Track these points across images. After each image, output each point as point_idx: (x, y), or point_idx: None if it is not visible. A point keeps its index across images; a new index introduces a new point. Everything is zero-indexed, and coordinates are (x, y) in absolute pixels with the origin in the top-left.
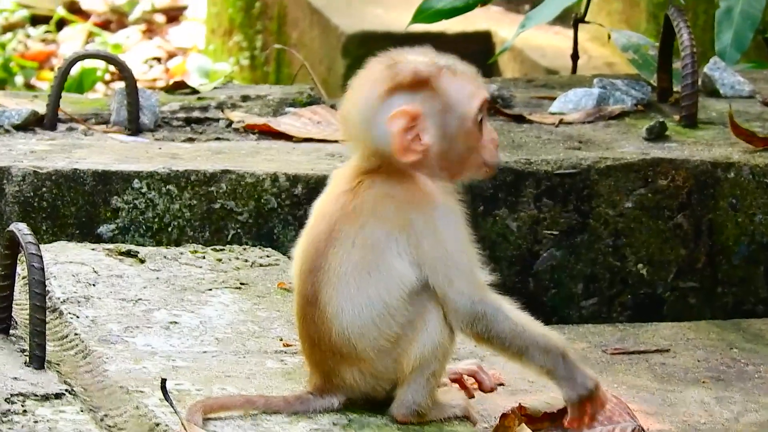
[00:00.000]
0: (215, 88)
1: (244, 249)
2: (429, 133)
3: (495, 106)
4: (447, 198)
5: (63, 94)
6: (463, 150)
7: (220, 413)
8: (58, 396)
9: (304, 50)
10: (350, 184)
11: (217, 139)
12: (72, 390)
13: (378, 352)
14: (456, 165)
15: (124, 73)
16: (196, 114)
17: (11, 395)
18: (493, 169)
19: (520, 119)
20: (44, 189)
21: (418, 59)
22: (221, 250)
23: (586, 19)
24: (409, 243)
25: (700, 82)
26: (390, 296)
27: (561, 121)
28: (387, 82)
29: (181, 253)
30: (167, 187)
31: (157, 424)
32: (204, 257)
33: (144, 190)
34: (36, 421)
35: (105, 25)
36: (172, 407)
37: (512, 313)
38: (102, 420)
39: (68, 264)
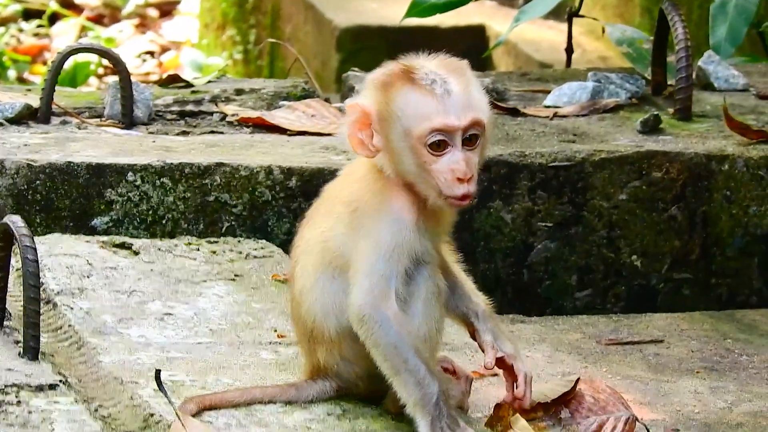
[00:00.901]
0: (209, 81)
1: (239, 241)
2: (378, 135)
3: (489, 100)
4: (405, 211)
5: (56, 87)
6: (413, 168)
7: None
8: (52, 387)
9: (298, 44)
10: (346, 172)
11: (211, 132)
12: (66, 381)
13: (341, 333)
14: (416, 183)
15: (118, 66)
16: (190, 107)
17: (5, 386)
18: (456, 203)
19: (514, 112)
20: (38, 182)
21: (412, 65)
22: (215, 242)
23: (581, 13)
24: (352, 235)
25: (694, 76)
26: (342, 279)
27: (555, 114)
28: (372, 76)
29: (176, 245)
30: (161, 179)
31: (152, 415)
32: (198, 249)
33: (138, 182)
34: (30, 412)
35: (98, 20)
36: (167, 398)
37: (400, 332)
38: (96, 411)
39: (62, 256)
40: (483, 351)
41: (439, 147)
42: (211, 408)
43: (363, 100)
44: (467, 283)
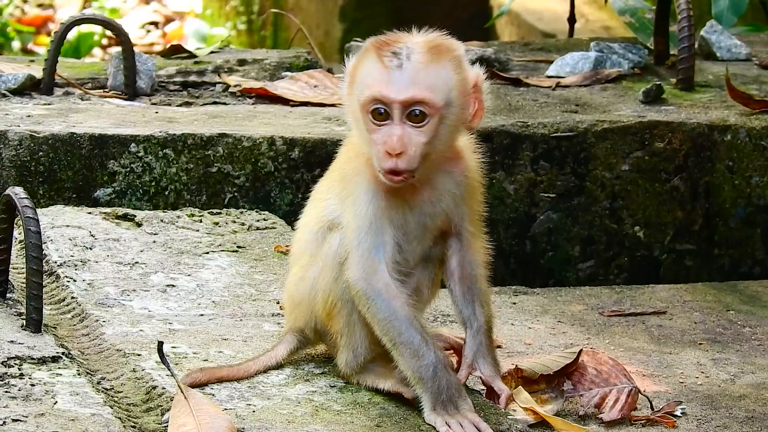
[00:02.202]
0: (212, 52)
1: (241, 212)
2: (344, 93)
3: (491, 70)
4: (376, 181)
5: (60, 58)
6: (363, 136)
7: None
8: (54, 359)
9: (301, 14)
10: (346, 140)
11: (214, 103)
12: (69, 353)
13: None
14: (367, 154)
15: (120, 37)
16: (192, 78)
17: (8, 358)
18: (388, 177)
19: (517, 83)
20: (41, 153)
21: (394, 38)
22: (218, 213)
23: None
24: (341, 204)
25: (696, 46)
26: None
27: (558, 85)
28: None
29: (178, 217)
30: (164, 150)
31: (154, 387)
32: (201, 221)
33: (141, 153)
34: (33, 384)
35: None
36: (169, 370)
37: (394, 304)
38: (99, 383)
39: (65, 228)
40: (460, 359)
41: (380, 116)
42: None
43: (348, 65)
44: (479, 291)
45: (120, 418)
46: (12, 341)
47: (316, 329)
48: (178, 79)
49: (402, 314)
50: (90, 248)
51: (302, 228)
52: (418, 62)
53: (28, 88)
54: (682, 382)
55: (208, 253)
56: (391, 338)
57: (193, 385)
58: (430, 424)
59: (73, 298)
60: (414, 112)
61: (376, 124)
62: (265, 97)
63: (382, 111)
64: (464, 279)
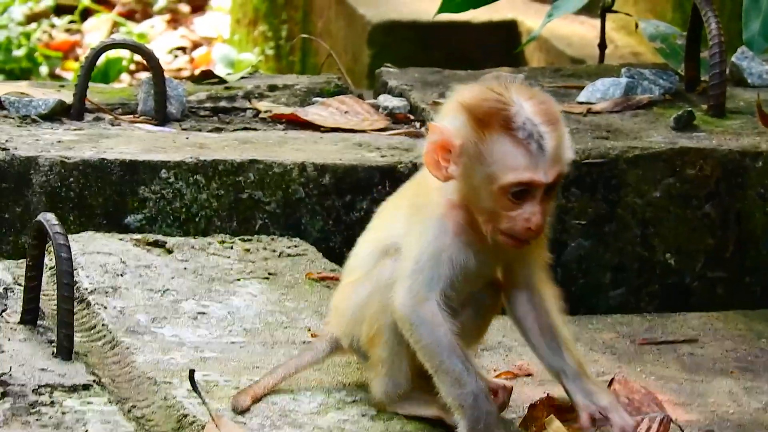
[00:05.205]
0: (242, 77)
1: (272, 239)
2: (457, 167)
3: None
4: (453, 224)
5: (89, 84)
6: (485, 208)
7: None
8: (85, 387)
9: (330, 40)
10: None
11: (245, 128)
12: (100, 381)
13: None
14: (480, 216)
15: (151, 62)
16: (223, 104)
17: (39, 386)
18: (517, 244)
19: None
20: (71, 179)
21: (508, 106)
22: (249, 240)
23: (613, 8)
24: (405, 234)
25: (727, 72)
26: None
27: (589, 111)
28: (467, 93)
29: (209, 243)
30: (195, 176)
31: (185, 416)
32: (232, 247)
33: (171, 180)
34: (64, 413)
35: (130, 15)
36: (201, 398)
37: (438, 331)
38: (130, 411)
39: (96, 254)
40: (577, 411)
41: (520, 196)
42: (258, 400)
43: (449, 126)
44: (562, 339)
45: None
46: (43, 369)
47: (355, 348)
48: (208, 104)
49: (445, 342)
50: (121, 275)
51: (362, 244)
52: (552, 141)
53: (58, 114)
54: (714, 411)
55: (239, 280)
56: (433, 365)
57: (243, 411)
58: None
59: (104, 325)
60: (551, 188)
61: (515, 203)
62: (296, 123)
63: (526, 192)
64: (544, 331)
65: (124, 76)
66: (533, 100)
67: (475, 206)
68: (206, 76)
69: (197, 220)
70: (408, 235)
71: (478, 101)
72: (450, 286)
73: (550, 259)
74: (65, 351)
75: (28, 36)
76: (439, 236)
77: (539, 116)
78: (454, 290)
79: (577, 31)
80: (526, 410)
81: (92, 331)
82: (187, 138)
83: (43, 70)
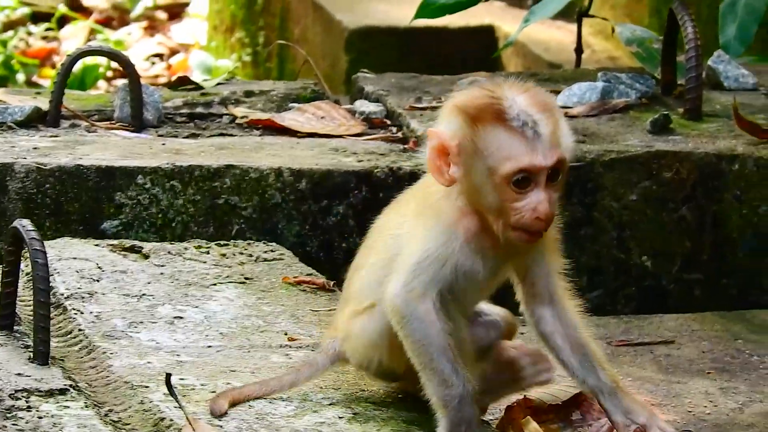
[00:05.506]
0: (218, 84)
1: (249, 244)
2: (457, 167)
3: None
4: (462, 229)
5: (65, 90)
6: (492, 203)
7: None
8: (62, 392)
9: (307, 46)
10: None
11: (221, 134)
12: (76, 385)
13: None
14: (488, 214)
15: (127, 69)
16: (199, 110)
17: (15, 391)
18: (530, 238)
19: None
20: (47, 185)
21: (500, 100)
22: (225, 245)
23: (590, 13)
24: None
25: (704, 75)
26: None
27: (565, 115)
28: (460, 97)
29: (186, 249)
30: (171, 182)
31: (162, 419)
32: (208, 252)
33: (148, 185)
34: (40, 417)
35: (107, 22)
36: (177, 402)
37: (431, 330)
38: (106, 415)
39: (72, 260)
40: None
41: (523, 185)
42: (236, 404)
43: (444, 129)
44: (593, 354)
45: None
46: (19, 374)
47: (375, 372)
48: (184, 110)
49: (437, 341)
50: (97, 280)
51: (369, 267)
52: (547, 126)
53: (34, 121)
54: (691, 411)
55: (215, 284)
56: (421, 362)
57: (221, 415)
58: None
59: (80, 330)
60: (554, 174)
61: (519, 193)
62: (273, 129)
63: (528, 179)
64: (575, 349)
65: (101, 83)
66: (527, 93)
67: (481, 205)
68: (183, 83)
69: (174, 225)
70: (411, 235)
71: (471, 100)
72: (451, 291)
73: (567, 265)
74: (42, 356)
75: (4, 43)
76: (448, 243)
77: (533, 106)
78: (458, 297)
79: (554, 36)
80: (503, 412)
81: (69, 336)
82: (164, 144)
83: (20, 77)
